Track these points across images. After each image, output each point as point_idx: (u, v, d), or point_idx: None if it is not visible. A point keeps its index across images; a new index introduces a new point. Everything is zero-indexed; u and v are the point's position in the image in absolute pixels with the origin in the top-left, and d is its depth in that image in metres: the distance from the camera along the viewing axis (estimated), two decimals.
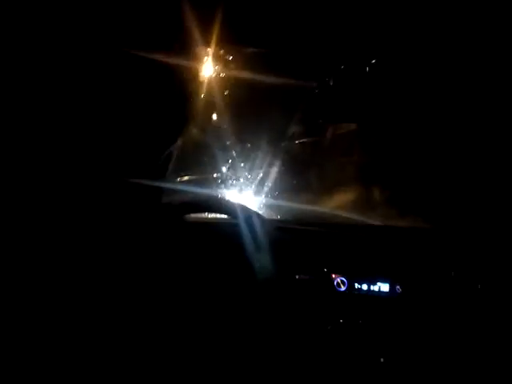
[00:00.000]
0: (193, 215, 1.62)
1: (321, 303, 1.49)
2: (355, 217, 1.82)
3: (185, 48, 1.76)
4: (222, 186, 2.09)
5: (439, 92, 1.71)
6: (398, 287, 1.45)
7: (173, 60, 1.71)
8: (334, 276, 1.50)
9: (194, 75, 1.94)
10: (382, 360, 1.38)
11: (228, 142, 2.09)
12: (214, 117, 2.11)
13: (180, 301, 1.46)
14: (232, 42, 1.86)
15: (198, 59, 1.91)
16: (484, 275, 1.40)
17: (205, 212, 1.68)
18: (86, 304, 1.43)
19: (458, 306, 1.39)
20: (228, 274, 1.50)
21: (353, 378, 1.39)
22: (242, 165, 2.10)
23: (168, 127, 1.77)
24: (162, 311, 1.44)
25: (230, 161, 2.10)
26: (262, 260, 1.47)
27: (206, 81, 2.00)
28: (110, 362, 1.41)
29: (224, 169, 2.11)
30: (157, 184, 1.79)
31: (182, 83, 1.82)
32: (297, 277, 1.51)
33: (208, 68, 1.99)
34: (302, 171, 2.03)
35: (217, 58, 1.98)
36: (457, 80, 1.66)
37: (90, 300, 1.43)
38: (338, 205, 1.90)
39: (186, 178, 2.09)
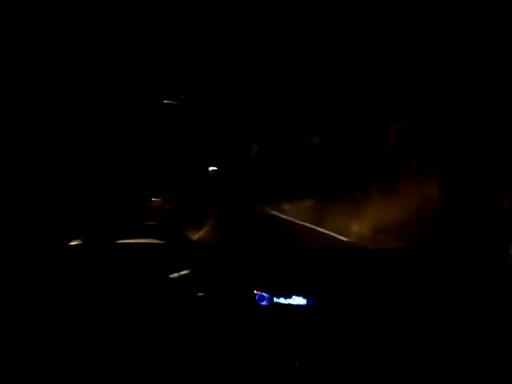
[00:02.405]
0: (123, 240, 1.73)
1: (245, 316, 1.61)
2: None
3: None
4: None
5: None
6: (312, 300, 1.62)
7: None
8: (256, 292, 1.63)
9: None
10: (296, 364, 1.51)
11: None
12: None
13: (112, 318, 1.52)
14: None
15: None
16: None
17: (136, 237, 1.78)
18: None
19: (367, 315, 1.57)
20: (158, 292, 1.58)
21: (274, 379, 1.50)
22: None
23: None
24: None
25: None
26: (190, 280, 1.61)
27: None
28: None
29: None
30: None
31: None
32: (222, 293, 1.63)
33: None
34: None
35: None
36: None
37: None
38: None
39: None
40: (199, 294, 1.58)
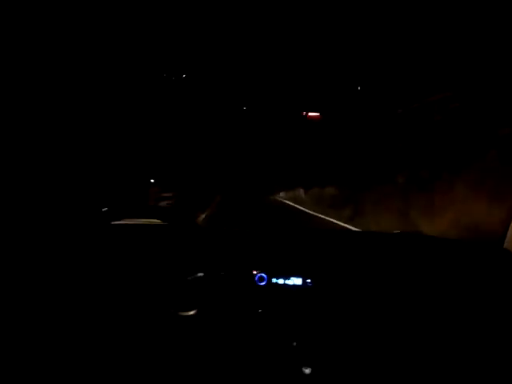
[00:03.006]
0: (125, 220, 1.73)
1: (244, 296, 1.60)
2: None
3: None
4: None
5: None
6: (308, 281, 1.61)
7: None
8: (254, 272, 1.61)
9: None
10: (294, 344, 1.50)
11: None
12: None
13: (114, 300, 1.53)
14: None
15: None
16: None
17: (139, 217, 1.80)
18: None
19: (364, 296, 1.52)
20: (158, 272, 1.56)
21: (271, 359, 1.46)
22: None
23: None
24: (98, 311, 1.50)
25: None
26: (190, 260, 1.58)
27: None
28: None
29: None
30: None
31: None
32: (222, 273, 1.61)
33: None
34: None
35: None
36: None
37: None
38: None
39: None
40: (199, 274, 1.59)
